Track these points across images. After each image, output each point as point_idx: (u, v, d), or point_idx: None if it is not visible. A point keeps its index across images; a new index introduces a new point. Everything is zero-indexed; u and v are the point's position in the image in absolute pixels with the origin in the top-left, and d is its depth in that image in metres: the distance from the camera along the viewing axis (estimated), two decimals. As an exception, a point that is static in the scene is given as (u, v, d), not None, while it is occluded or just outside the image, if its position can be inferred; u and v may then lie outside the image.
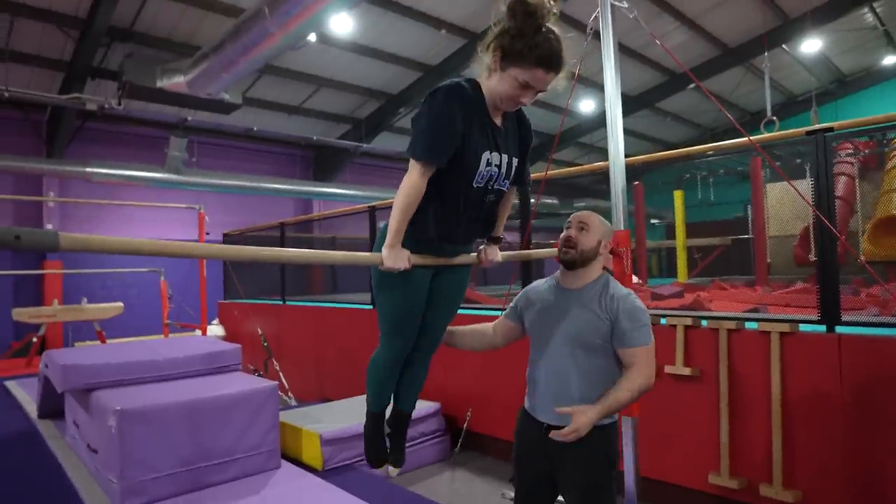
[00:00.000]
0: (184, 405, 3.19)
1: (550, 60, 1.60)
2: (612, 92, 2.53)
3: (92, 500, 3.07)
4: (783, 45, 11.04)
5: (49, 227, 10.10)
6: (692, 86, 12.26)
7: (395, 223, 1.64)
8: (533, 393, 1.95)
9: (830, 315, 2.70)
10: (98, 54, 8.30)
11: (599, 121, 13.06)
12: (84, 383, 3.43)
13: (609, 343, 1.81)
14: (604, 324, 1.80)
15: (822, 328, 2.73)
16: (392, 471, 2.12)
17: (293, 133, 11.88)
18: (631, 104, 13.07)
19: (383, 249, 1.64)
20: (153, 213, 10.71)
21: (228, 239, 7.97)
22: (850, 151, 7.79)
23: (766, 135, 3.04)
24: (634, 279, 7.46)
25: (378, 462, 2.10)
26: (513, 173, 1.82)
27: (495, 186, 1.78)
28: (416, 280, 1.80)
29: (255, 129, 11.20)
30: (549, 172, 3.38)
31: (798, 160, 7.65)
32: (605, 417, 1.77)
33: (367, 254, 1.69)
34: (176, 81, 7.98)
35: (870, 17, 11.01)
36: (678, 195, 9.60)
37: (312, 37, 7.45)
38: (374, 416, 2.06)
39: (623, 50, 10.17)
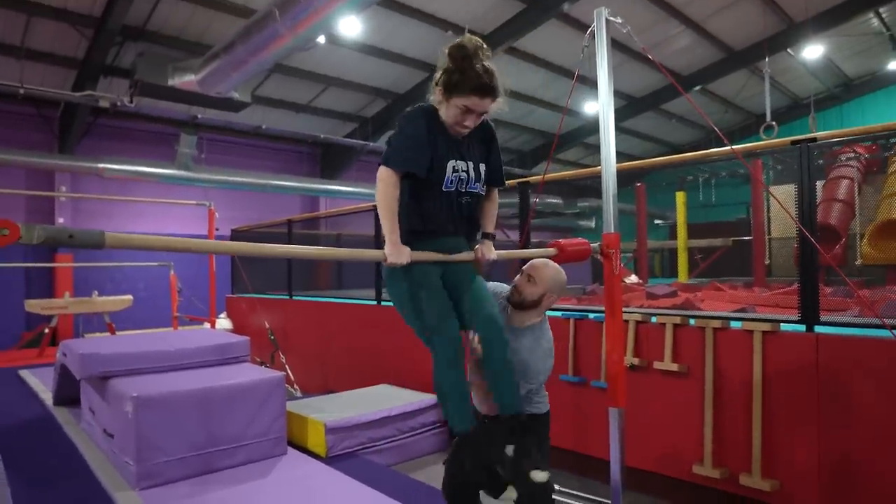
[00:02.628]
0: (196, 393, 3.36)
1: (483, 88, 1.89)
2: (605, 101, 2.67)
3: (108, 481, 3.24)
4: (787, 50, 11.12)
5: (60, 220, 10.33)
6: (698, 88, 12.36)
7: (385, 225, 1.87)
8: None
9: (810, 316, 2.84)
10: (111, 52, 8.49)
11: (604, 122, 13.18)
12: (101, 371, 3.61)
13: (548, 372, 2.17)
14: (546, 359, 2.16)
15: (802, 328, 2.87)
16: (540, 475, 1.84)
17: (301, 131, 12.06)
18: (636, 105, 13.19)
19: (385, 247, 1.83)
20: (163, 209, 10.90)
21: (237, 235, 8.15)
22: (851, 156, 7.89)
23: (750, 144, 3.16)
24: (633, 279, 7.60)
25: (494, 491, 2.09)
26: (482, 176, 2.07)
27: (468, 189, 2.04)
28: (423, 267, 1.96)
29: (263, 126, 11.37)
30: (547, 175, 3.52)
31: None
32: None
33: (372, 250, 1.86)
34: (187, 80, 8.16)
35: (875, 22, 11.08)
36: (680, 196, 9.72)
37: (321, 38, 7.60)
38: (464, 439, 1.86)
39: (628, 52, 10.28)
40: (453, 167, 1.98)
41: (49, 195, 9.64)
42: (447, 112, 1.95)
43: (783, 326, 2.91)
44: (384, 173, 1.91)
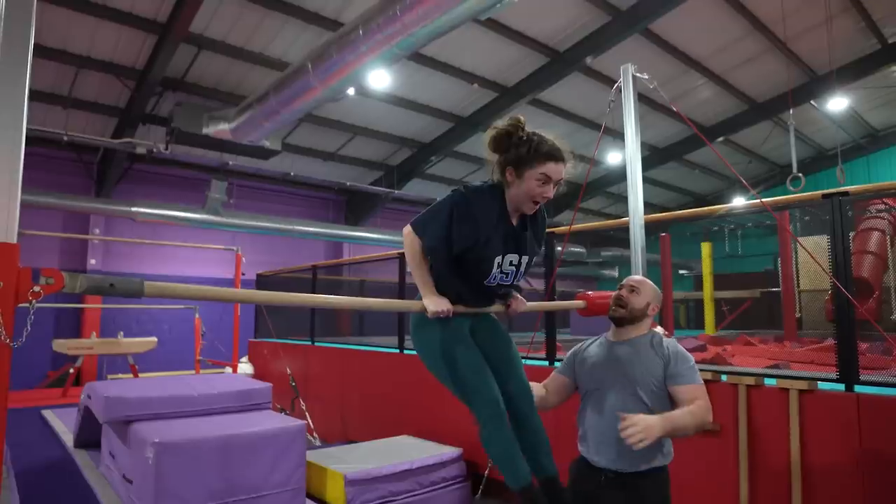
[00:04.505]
0: (217, 440, 3.34)
1: (556, 152, 1.84)
2: (633, 154, 2.69)
3: (125, 529, 3.20)
4: (811, 101, 11.14)
5: (92, 262, 10.61)
6: (721, 139, 12.40)
7: (418, 279, 1.87)
8: (589, 441, 2.05)
9: (849, 374, 2.73)
10: (150, 102, 8.88)
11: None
12: (124, 415, 3.61)
13: (663, 387, 1.97)
14: (657, 367, 1.97)
15: (842, 387, 2.75)
16: None
17: (328, 178, 12.34)
18: (659, 155, 13.26)
19: (423, 299, 1.83)
20: (192, 252, 11.13)
21: (262, 279, 8.25)
22: (881, 208, 7.76)
23: (781, 197, 3.14)
24: (660, 330, 7.44)
25: None
26: (526, 269, 2.01)
27: (512, 282, 1.98)
28: (456, 324, 1.94)
29: (292, 173, 11.68)
30: (573, 226, 3.52)
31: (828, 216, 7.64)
32: (666, 436, 1.84)
33: (409, 301, 1.86)
34: (221, 128, 8.47)
35: (899, 74, 11.08)
36: (705, 247, 9.61)
37: (351, 90, 7.87)
38: (523, 492, 1.83)
39: (651, 104, 10.41)
40: (499, 263, 1.89)
41: (81, 237, 9.92)
42: (524, 189, 1.84)
43: (820, 385, 2.80)
44: (409, 235, 1.90)
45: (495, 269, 1.89)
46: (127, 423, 3.61)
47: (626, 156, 2.64)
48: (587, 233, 14.94)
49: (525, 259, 1.95)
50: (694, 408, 1.86)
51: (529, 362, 4.03)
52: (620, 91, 2.73)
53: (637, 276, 2.22)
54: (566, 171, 1.88)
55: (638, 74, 2.68)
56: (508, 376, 1.96)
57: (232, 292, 1.46)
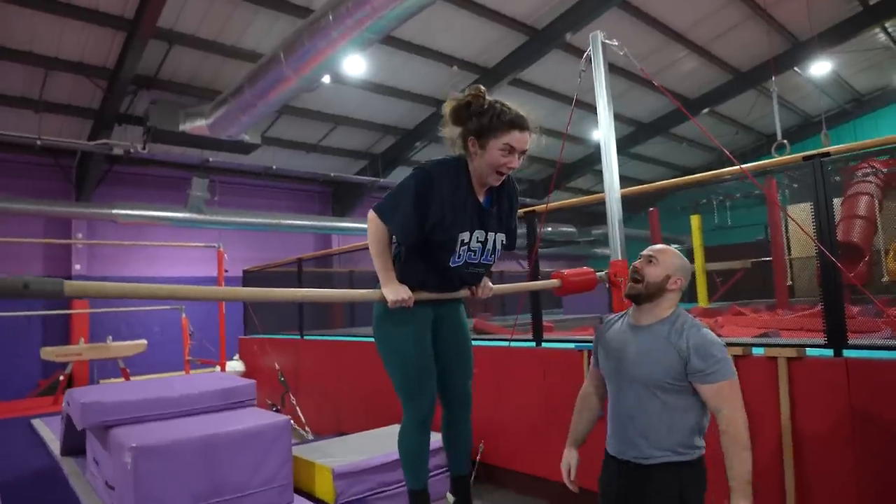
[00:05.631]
0: (198, 440, 3.26)
1: (520, 120, 1.75)
2: (605, 125, 2.60)
3: (109, 536, 3.13)
4: (795, 68, 11.05)
5: (77, 267, 10.44)
6: (706, 110, 12.30)
7: (379, 266, 1.77)
8: (612, 433, 1.89)
9: (837, 339, 2.67)
10: (125, 101, 8.69)
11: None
12: (102, 420, 3.53)
13: (685, 381, 1.75)
14: (675, 364, 1.74)
15: (830, 352, 2.70)
16: None
17: (312, 170, 12.18)
18: (645, 131, 13.15)
19: (383, 288, 1.74)
20: (177, 252, 10.99)
21: (248, 275, 8.14)
22: (868, 171, 7.72)
23: (761, 162, 3.06)
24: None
25: None
26: (498, 248, 1.90)
27: (481, 261, 1.86)
28: (418, 319, 1.87)
29: (274, 167, 11.51)
30: (551, 204, 3.43)
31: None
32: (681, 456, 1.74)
33: (368, 291, 1.76)
34: (198, 125, 8.30)
35: (882, 36, 10.99)
36: (695, 219, 9.55)
37: (326, 78, 7.72)
38: (415, 496, 1.92)
39: (633, 78, 10.29)
40: (464, 240, 1.79)
41: (63, 242, 9.76)
42: (487, 160, 1.76)
43: (809, 352, 2.74)
44: (374, 221, 1.80)
45: (460, 248, 1.79)
46: (106, 429, 3.53)
47: (599, 123, 2.55)
48: (577, 211, 14.86)
49: (493, 236, 1.85)
50: (728, 435, 1.69)
51: (516, 344, 3.96)
52: (591, 61, 2.63)
53: (658, 245, 1.95)
54: (532, 141, 1.78)
55: (608, 41, 2.58)
56: (454, 378, 1.95)
57: (170, 289, 1.37)
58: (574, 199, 4.18)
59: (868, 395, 2.50)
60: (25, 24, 7.12)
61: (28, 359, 9.50)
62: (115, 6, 7.07)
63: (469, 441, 2.08)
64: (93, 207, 9.56)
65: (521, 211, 4.10)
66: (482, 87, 1.80)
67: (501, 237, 1.90)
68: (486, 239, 1.84)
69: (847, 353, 2.65)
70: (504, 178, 1.81)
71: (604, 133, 2.56)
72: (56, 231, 10.23)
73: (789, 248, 7.98)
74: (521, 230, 4.47)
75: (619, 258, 2.40)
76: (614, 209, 2.52)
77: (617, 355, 1.87)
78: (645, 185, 3.79)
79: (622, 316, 1.99)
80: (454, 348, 1.97)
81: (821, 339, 2.75)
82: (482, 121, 1.74)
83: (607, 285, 2.36)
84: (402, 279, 1.80)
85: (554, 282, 2.11)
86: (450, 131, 1.82)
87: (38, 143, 8.40)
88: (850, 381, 2.55)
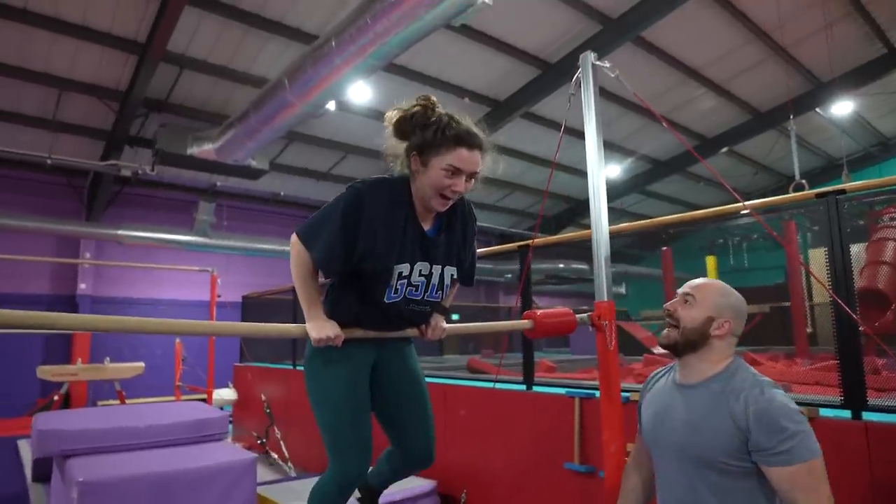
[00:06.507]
0: (153, 477, 3.02)
1: (470, 136, 1.52)
2: (593, 153, 2.39)
3: (49, 580, 2.88)
4: (816, 109, 10.79)
5: (83, 286, 10.44)
6: (724, 150, 12.06)
7: (302, 298, 1.54)
8: None
9: (855, 399, 2.37)
10: (136, 124, 8.75)
11: (629, 185, 12.93)
12: (60, 449, 3.32)
13: (747, 461, 1.37)
14: (731, 437, 1.36)
15: (847, 413, 2.39)
16: None
17: (322, 198, 12.13)
18: (662, 168, 12.91)
19: (307, 323, 1.51)
20: (182, 275, 10.93)
21: (247, 301, 7.98)
22: (895, 215, 7.36)
23: (768, 199, 2.82)
24: (661, 349, 7.04)
25: None
26: (446, 283, 1.64)
27: (425, 297, 1.61)
28: (354, 361, 1.63)
29: (282, 193, 11.49)
30: (538, 240, 3.21)
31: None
32: None
33: (291, 325, 1.55)
34: (205, 149, 8.30)
35: (906, 80, 10.72)
36: (710, 260, 9.26)
37: (332, 105, 7.67)
38: None
39: (650, 115, 10.13)
40: (403, 273, 1.54)
41: (69, 262, 9.77)
42: (428, 180, 1.53)
43: (822, 412, 2.43)
44: (295, 246, 1.57)
45: (397, 281, 1.54)
46: (64, 458, 3.32)
47: (587, 151, 2.34)
48: (589, 248, 14.54)
49: (439, 269, 1.59)
50: None
51: (503, 386, 3.69)
52: (580, 85, 2.44)
53: (698, 280, 1.57)
54: (484, 162, 1.54)
55: (599, 63, 2.39)
56: (408, 432, 1.69)
57: (128, 321, 1.21)
58: (564, 236, 3.94)
59: (893, 465, 2.18)
60: (43, 46, 7.24)
61: (28, 377, 9.37)
62: (128, 29, 7.15)
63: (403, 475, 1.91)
64: (98, 228, 9.59)
65: (513, 245, 3.90)
66: (433, 98, 1.60)
67: (451, 271, 1.64)
68: (432, 272, 1.58)
69: (867, 415, 2.35)
70: (451, 203, 1.57)
71: (592, 161, 2.36)
72: (65, 249, 10.27)
73: (810, 294, 7.60)
74: (514, 265, 4.27)
75: (605, 299, 2.16)
76: (601, 244, 2.30)
77: (658, 422, 1.50)
78: (644, 221, 3.57)
79: (669, 370, 1.62)
80: (405, 397, 1.71)
81: (836, 398, 2.45)
82: (425, 135, 1.53)
83: (591, 328, 2.11)
84: (332, 314, 1.56)
85: (525, 322, 1.87)
86: (393, 146, 1.61)
87: (49, 161, 8.46)
88: (870, 449, 2.24)
